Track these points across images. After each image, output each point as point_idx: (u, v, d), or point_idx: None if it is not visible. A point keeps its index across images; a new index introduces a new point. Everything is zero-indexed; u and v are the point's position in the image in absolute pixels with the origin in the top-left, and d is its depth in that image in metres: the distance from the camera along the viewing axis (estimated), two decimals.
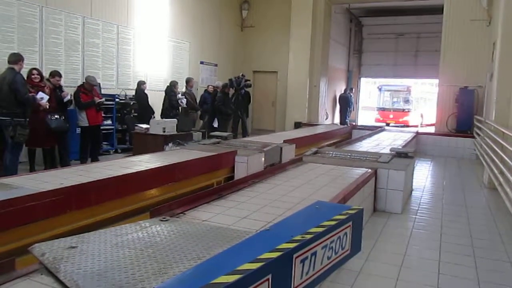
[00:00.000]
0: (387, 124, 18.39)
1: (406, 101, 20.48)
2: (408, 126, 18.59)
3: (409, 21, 18.17)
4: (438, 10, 12.71)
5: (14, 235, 2.79)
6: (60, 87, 7.11)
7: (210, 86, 11.39)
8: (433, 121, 12.91)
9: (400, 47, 19.61)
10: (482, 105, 10.14)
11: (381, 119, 20.25)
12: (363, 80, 21.64)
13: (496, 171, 5.76)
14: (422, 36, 18.67)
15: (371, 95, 25.33)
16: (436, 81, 14.46)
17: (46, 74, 7.05)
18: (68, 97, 7.16)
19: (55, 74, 7.09)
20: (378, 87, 21.79)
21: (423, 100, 21.78)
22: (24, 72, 6.34)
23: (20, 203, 2.83)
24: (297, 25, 13.23)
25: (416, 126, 18.03)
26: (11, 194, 2.98)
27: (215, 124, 10.41)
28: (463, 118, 10.85)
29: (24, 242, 2.72)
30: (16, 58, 6.07)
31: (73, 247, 2.11)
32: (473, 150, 9.63)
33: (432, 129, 13.10)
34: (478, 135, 9.02)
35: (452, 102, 11.14)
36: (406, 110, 20.23)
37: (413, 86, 21.29)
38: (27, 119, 6.07)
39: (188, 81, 10.60)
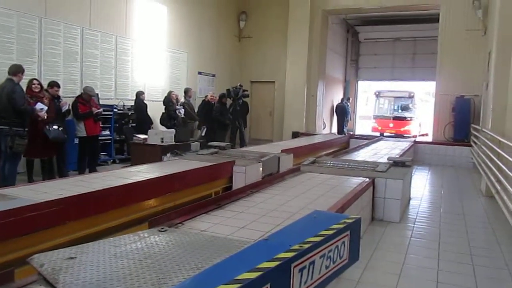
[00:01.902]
0: (382, 134, 17.16)
1: (409, 108, 18.65)
2: (406, 136, 17.01)
3: (406, 28, 18.12)
4: (434, 20, 12.85)
5: (13, 245, 2.79)
6: (58, 97, 7.14)
7: (209, 96, 11.33)
8: (428, 130, 12.73)
9: (397, 50, 19.46)
10: (479, 114, 10.20)
11: (379, 128, 18.37)
12: (360, 86, 21.18)
13: (493, 179, 5.78)
14: (418, 39, 18.57)
15: (369, 102, 23.46)
16: (432, 87, 14.41)
17: (44, 84, 7.07)
18: (66, 106, 7.18)
19: (54, 84, 7.10)
20: (375, 93, 19.71)
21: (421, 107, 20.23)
22: (24, 82, 6.37)
23: (19, 213, 2.84)
24: (295, 35, 13.31)
25: (415, 136, 17.02)
26: (9, 204, 2.98)
27: (203, 133, 10.35)
28: (460, 127, 10.91)
29: (23, 252, 2.72)
30: (15, 70, 6.11)
31: (72, 258, 2.11)
32: (470, 159, 9.66)
33: (427, 139, 12.98)
34: (475, 143, 9.06)
35: (449, 111, 11.21)
36: (408, 119, 18.28)
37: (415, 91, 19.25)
38: (26, 129, 6.08)
39: (187, 91, 10.64)
